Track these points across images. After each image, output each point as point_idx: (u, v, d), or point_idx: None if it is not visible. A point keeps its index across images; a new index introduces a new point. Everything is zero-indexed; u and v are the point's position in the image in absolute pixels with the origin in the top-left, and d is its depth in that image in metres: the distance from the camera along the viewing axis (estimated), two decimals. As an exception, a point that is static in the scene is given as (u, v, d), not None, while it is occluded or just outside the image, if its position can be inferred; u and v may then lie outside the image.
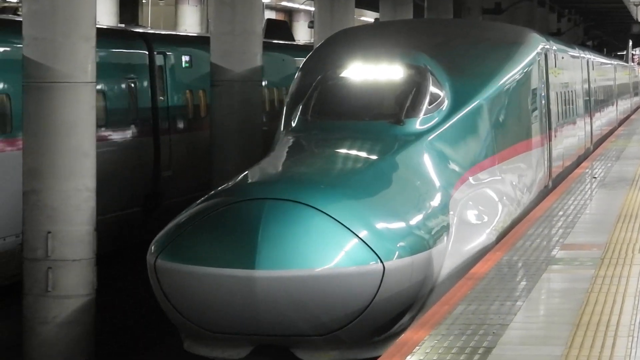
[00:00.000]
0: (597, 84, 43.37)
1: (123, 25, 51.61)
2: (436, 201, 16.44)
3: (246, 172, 16.99)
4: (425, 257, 14.61)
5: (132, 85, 33.67)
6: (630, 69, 77.03)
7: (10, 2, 45.95)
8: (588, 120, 37.46)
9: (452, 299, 13.83)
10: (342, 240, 13.69)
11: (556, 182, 24.73)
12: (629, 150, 40.59)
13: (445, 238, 15.80)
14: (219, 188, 15.83)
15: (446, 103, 17.69)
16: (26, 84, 19.83)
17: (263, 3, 24.69)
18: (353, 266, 13.34)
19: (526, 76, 21.48)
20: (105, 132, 30.72)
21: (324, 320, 13.29)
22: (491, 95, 18.71)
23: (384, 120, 17.33)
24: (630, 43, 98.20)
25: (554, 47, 27.61)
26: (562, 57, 29.60)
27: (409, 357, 10.95)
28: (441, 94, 17.80)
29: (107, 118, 31.05)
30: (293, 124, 18.37)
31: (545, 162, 23.75)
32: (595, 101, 41.79)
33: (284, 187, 14.95)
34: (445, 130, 17.38)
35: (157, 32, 44.39)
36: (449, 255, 15.86)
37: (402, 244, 14.33)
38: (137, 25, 54.48)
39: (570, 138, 31.33)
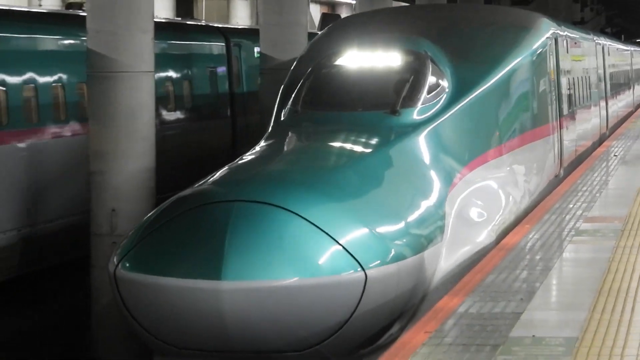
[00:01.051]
0: (613, 69, 40.55)
1: (180, 18, 52.06)
2: (430, 200, 14.08)
3: (221, 169, 14.61)
4: (414, 263, 12.41)
5: (213, 73, 35.26)
6: None
7: None
8: (604, 105, 34.78)
9: (485, 268, 13.89)
10: (319, 247, 11.50)
11: (568, 171, 23.26)
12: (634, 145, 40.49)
13: (439, 240, 13.50)
14: (190, 187, 13.49)
15: (447, 91, 15.45)
16: (90, 74, 20.09)
17: None
18: (331, 275, 11.20)
19: (535, 62, 19.20)
20: (191, 115, 32.38)
21: (300, 335, 11.28)
22: (497, 83, 16.50)
23: (379, 111, 14.94)
24: None
25: (566, 33, 25.32)
26: (575, 43, 27.25)
27: (441, 324, 11.06)
28: (442, 81, 15.57)
29: (193, 102, 32.49)
30: (282, 117, 16.15)
31: (556, 150, 21.32)
32: (611, 86, 38.87)
33: (255, 188, 12.63)
34: (445, 120, 15.13)
35: (232, 26, 46.07)
36: (444, 258, 13.62)
37: (387, 249, 12.08)
38: (192, 18, 55.05)
39: (584, 124, 28.56)
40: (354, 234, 11.77)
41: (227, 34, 38.33)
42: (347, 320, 11.06)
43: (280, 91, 16.94)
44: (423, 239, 12.97)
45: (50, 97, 24.23)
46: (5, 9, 29.81)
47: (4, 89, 22.69)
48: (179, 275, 10.91)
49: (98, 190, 20.23)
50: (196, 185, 13.22)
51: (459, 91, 15.39)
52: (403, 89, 15.03)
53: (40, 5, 42.75)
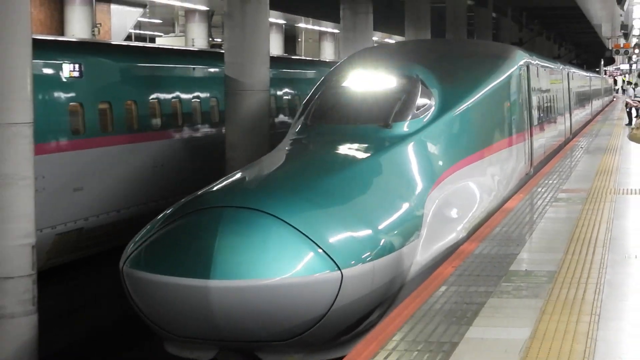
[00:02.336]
0: (576, 89, 38.56)
1: (286, 54, 51.44)
2: (410, 200, 12.26)
3: (224, 178, 12.84)
4: (390, 260, 10.62)
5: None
6: (602, 79, 75.47)
7: (217, 41, 45.01)
8: (568, 115, 32.59)
9: (492, 223, 13.73)
10: (298, 248, 9.89)
11: (537, 169, 21.01)
12: (603, 130, 40.35)
13: (417, 236, 11.64)
14: (192, 194, 11.82)
15: (434, 108, 13.60)
16: (227, 91, 19.95)
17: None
18: (309, 275, 9.66)
19: (509, 83, 17.33)
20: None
21: (283, 327, 9.88)
22: (476, 100, 14.65)
23: (374, 124, 13.20)
24: (602, 61, 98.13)
25: (537, 62, 22.99)
26: (544, 69, 24.96)
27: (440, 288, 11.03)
28: (430, 100, 13.69)
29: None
30: (296, 129, 14.31)
31: (527, 154, 19.21)
32: (574, 101, 37.00)
33: (244, 195, 11.20)
34: (430, 131, 13.32)
35: (323, 60, 45.04)
36: (420, 252, 11.68)
37: (363, 249, 10.26)
38: (295, 54, 54.47)
39: (552, 131, 26.26)
40: (332, 237, 10.13)
41: (318, 65, 37.03)
42: (325, 314, 9.59)
43: (301, 107, 15.12)
44: (400, 238, 11.16)
45: (194, 107, 23.76)
46: (173, 48, 30.05)
47: (177, 100, 22.52)
48: (174, 274, 9.66)
49: (231, 172, 18.96)
50: (201, 190, 11.67)
51: (444, 108, 13.65)
52: (395, 106, 13.31)
53: (193, 45, 42.66)
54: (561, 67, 32.36)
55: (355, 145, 13.17)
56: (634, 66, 70.22)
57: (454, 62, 16.86)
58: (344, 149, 13.23)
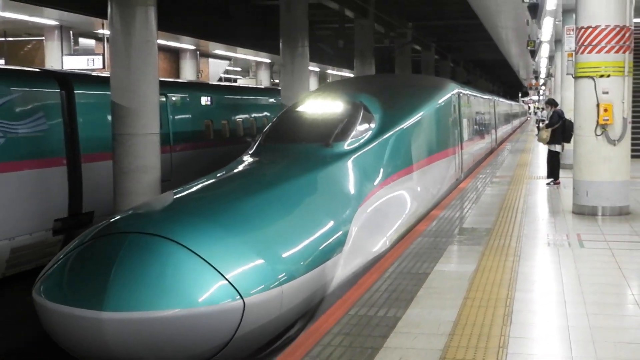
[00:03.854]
0: (500, 112, 35.39)
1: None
2: (337, 216, 8.88)
3: (150, 200, 9.84)
4: (303, 281, 7.43)
5: None
6: (520, 105, 75.63)
7: (276, 82, 44.90)
8: (494, 131, 29.45)
9: (451, 198, 13.72)
10: (198, 277, 6.75)
11: (467, 174, 17.90)
12: (521, 138, 40.25)
13: (339, 251, 8.32)
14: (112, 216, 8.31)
15: (372, 129, 10.79)
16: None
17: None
18: (209, 305, 6.53)
19: (441, 108, 14.32)
20: None
21: (182, 358, 6.74)
22: (411, 122, 11.95)
23: (316, 143, 10.27)
24: (520, 94, 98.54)
25: (466, 92, 19.45)
26: (474, 98, 21.44)
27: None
28: (370, 122, 10.90)
29: None
30: (250, 149, 11.09)
31: (458, 163, 16.10)
32: (499, 120, 33.78)
33: (149, 220, 7.66)
34: (366, 149, 10.38)
35: None
36: (343, 265, 8.35)
37: (270, 275, 7.05)
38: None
39: (479, 144, 22.43)
40: (237, 264, 6.87)
41: None
42: (227, 343, 6.60)
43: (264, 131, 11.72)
44: (318, 256, 7.86)
45: (263, 124, 22.58)
46: (243, 85, 29.87)
47: (242, 119, 21.66)
48: (69, 304, 6.55)
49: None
50: (118, 214, 8.20)
51: (382, 129, 10.91)
52: (336, 127, 10.51)
53: (260, 82, 42.89)
54: (489, 97, 29.76)
55: (294, 162, 9.96)
56: (541, 97, 70.38)
57: (397, 91, 13.91)
58: (282, 166, 9.98)
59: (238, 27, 29.05)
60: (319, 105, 11.38)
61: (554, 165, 16.36)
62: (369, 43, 29.30)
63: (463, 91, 18.09)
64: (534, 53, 38.38)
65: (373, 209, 9.53)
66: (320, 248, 7.94)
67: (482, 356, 5.36)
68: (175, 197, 8.49)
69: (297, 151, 10.25)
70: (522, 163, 22.26)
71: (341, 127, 10.50)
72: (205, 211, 7.73)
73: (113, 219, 7.61)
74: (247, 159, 10.43)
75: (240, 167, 10.06)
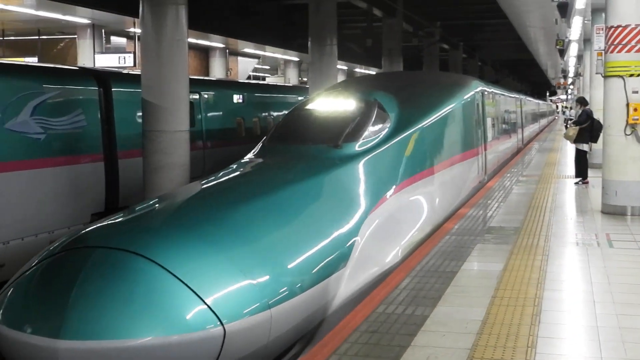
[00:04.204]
0: (527, 111, 33.58)
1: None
2: (342, 225, 7.57)
3: (133, 207, 7.54)
4: (298, 303, 6.23)
5: None
6: (548, 104, 74.80)
7: (304, 80, 44.64)
8: (520, 130, 27.65)
9: (479, 194, 13.59)
10: (172, 300, 5.55)
11: (491, 175, 16.66)
12: (549, 137, 39.96)
13: (343, 265, 7.11)
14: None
15: (387, 129, 9.62)
16: None
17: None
18: (184, 333, 5.40)
19: (463, 107, 12.94)
20: None
21: None
22: (429, 122, 10.72)
23: (324, 144, 9.05)
24: (548, 93, 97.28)
25: (491, 89, 17.88)
26: (499, 96, 19.77)
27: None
28: (385, 122, 9.71)
29: None
30: (254, 150, 9.98)
31: (481, 164, 14.71)
32: (526, 120, 31.75)
33: (119, 231, 6.46)
34: (380, 151, 9.18)
35: None
36: (347, 282, 7.14)
37: (257, 296, 5.88)
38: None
39: (505, 144, 20.75)
40: (217, 284, 5.67)
41: None
42: None
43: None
44: (317, 273, 6.63)
45: (274, 122, 21.87)
46: (273, 83, 29.82)
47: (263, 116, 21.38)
48: (26, 331, 5.33)
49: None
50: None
51: (398, 129, 9.71)
52: (347, 127, 9.22)
53: (288, 80, 42.93)
54: (515, 95, 28.15)
55: (297, 165, 8.78)
56: (569, 96, 69.70)
57: (416, 89, 12.56)
58: (282, 170, 8.77)
59: (267, 26, 29.08)
60: (330, 104, 10.26)
61: (582, 165, 16.20)
62: (397, 42, 29.15)
63: (487, 89, 16.86)
64: (562, 52, 37.99)
65: (385, 217, 8.40)
66: (320, 263, 6.85)
67: (510, 355, 5.30)
68: (157, 205, 7.34)
69: (302, 153, 9.17)
70: (550, 162, 22.06)
71: (352, 127, 9.37)
72: (186, 221, 6.59)
73: (83, 230, 6.44)
74: (247, 162, 9.43)
75: (237, 171, 8.94)
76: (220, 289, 5.65)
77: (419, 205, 9.82)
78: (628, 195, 11.70)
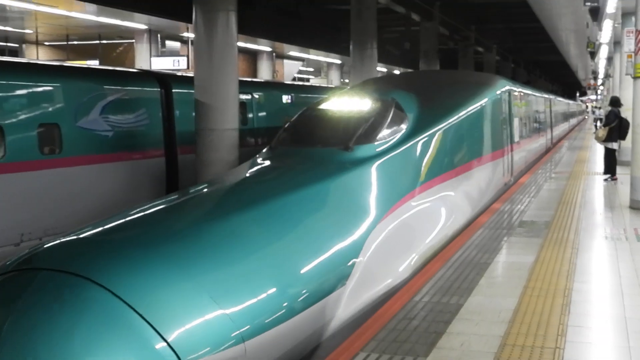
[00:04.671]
0: (557, 111, 31.43)
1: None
2: (343, 238, 6.29)
3: (101, 220, 5.74)
4: (281, 332, 4.87)
5: None
6: (578, 104, 73.37)
7: (346, 82, 44.41)
8: (549, 130, 25.57)
9: (512, 189, 13.43)
10: (124, 333, 4.09)
11: (518, 177, 15.30)
12: (579, 136, 39.43)
13: (343, 284, 5.87)
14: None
15: (404, 131, 8.37)
16: None
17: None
18: None
19: (488, 107, 11.44)
20: None
21: None
22: (450, 123, 9.44)
23: (334, 147, 7.74)
24: (578, 93, 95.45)
25: (519, 89, 15.90)
26: (527, 95, 17.96)
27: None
28: (401, 122, 8.45)
29: None
30: (261, 153, 8.57)
31: (507, 166, 13.10)
32: (555, 119, 29.42)
33: (67, 250, 4.82)
34: (394, 154, 7.92)
35: None
36: (348, 301, 5.91)
37: (228, 327, 4.49)
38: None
39: (533, 144, 19.10)
40: (178, 315, 4.43)
41: None
42: None
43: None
44: (308, 295, 5.38)
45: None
46: (317, 85, 29.66)
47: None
48: None
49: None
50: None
51: (416, 129, 8.47)
52: (360, 128, 7.94)
53: (331, 82, 43.01)
54: (545, 95, 26.01)
55: (300, 172, 7.42)
56: (599, 97, 68.69)
57: (439, 88, 11.24)
58: (281, 177, 7.40)
59: (310, 30, 29.13)
60: (344, 104, 8.90)
61: (611, 162, 16.01)
62: (434, 45, 29.03)
63: (515, 88, 15.12)
64: (593, 54, 37.49)
65: (396, 226, 7.21)
66: (313, 284, 5.61)
67: (541, 343, 5.25)
68: (130, 216, 5.83)
69: (309, 156, 7.83)
70: (580, 159, 21.78)
71: (365, 128, 8.05)
72: (153, 238, 5.19)
73: (33, 248, 5.10)
74: (247, 166, 8.07)
75: (231, 177, 7.77)
76: (183, 322, 4.43)
77: (435, 213, 8.52)
78: (656, 192, 11.54)
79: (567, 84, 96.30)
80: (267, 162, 7.99)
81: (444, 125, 9.27)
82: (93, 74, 12.82)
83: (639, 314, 5.97)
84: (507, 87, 13.69)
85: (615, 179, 15.66)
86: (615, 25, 22.16)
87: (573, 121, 54.17)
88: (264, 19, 25.73)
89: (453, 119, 9.66)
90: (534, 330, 5.53)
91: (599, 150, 22.87)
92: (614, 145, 15.73)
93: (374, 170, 7.62)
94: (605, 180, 15.76)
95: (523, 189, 14.00)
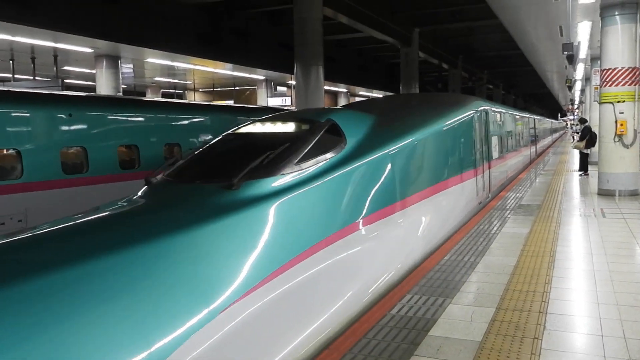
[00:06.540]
0: (541, 128, 26.37)
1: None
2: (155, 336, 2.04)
3: None
4: None
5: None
6: (559, 122, 69.83)
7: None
8: (534, 145, 20.77)
9: (513, 182, 13.05)
10: None
11: (497, 191, 11.12)
12: (557, 149, 37.81)
13: None
14: None
15: (333, 157, 4.16)
16: None
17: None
18: None
19: (458, 126, 7.20)
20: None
21: None
22: (405, 145, 5.34)
23: (216, 184, 3.31)
24: (559, 114, 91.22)
25: (494, 109, 10.65)
26: (507, 115, 12.70)
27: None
28: (330, 149, 4.24)
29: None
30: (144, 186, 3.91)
31: (482, 184, 8.81)
32: (538, 136, 23.92)
33: None
34: (306, 190, 3.56)
35: None
36: None
37: None
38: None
39: (514, 159, 14.18)
40: None
41: None
42: None
43: None
44: None
45: None
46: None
47: None
48: None
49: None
50: None
51: (352, 155, 4.48)
52: (260, 159, 3.89)
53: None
54: (527, 115, 20.20)
55: (164, 222, 3.36)
56: (575, 117, 66.08)
57: (404, 110, 6.78)
58: (124, 230, 3.26)
59: (374, 77, 29.08)
60: (266, 128, 5.02)
61: (584, 162, 15.47)
62: (458, 85, 29.04)
63: (493, 108, 10.53)
64: (570, 87, 35.95)
65: (268, 304, 3.40)
66: None
67: (534, 288, 5.11)
68: None
69: (181, 196, 3.91)
70: (561, 161, 20.87)
71: (267, 159, 4.18)
72: None
73: None
74: (114, 204, 4.08)
75: (82, 218, 3.72)
76: None
77: (353, 266, 4.35)
78: (616, 182, 11.07)
79: (553, 108, 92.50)
80: (141, 199, 4.07)
81: (393, 149, 5.29)
82: (231, 109, 13.00)
83: (604, 268, 5.73)
84: (482, 107, 9.26)
85: (587, 175, 15.05)
86: (586, 66, 21.36)
87: (556, 135, 51.86)
88: (342, 70, 25.89)
89: (407, 141, 5.61)
90: (529, 279, 5.38)
91: (575, 155, 21.99)
92: (587, 151, 15.25)
93: (253, 216, 3.65)
94: (580, 175, 15.13)
95: (521, 182, 13.43)
